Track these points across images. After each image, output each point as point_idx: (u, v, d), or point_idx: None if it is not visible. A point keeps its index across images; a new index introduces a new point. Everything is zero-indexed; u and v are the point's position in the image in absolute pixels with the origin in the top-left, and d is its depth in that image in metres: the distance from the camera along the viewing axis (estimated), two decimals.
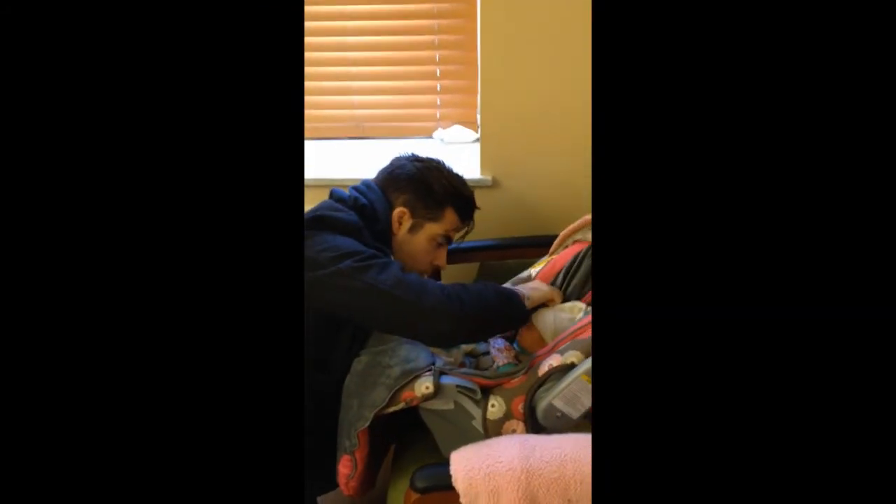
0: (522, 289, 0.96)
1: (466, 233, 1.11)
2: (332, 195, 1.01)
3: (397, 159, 1.08)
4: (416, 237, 1.02)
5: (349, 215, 0.94)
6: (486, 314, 0.85)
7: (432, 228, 1.03)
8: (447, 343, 0.92)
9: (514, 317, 0.91)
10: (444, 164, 1.08)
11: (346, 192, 1.01)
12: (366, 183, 1.05)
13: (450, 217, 1.03)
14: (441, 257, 1.06)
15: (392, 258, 0.96)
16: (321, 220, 0.91)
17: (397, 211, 1.01)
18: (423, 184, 1.02)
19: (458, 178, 1.07)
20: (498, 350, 0.97)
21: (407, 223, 1.01)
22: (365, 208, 0.97)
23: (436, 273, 1.16)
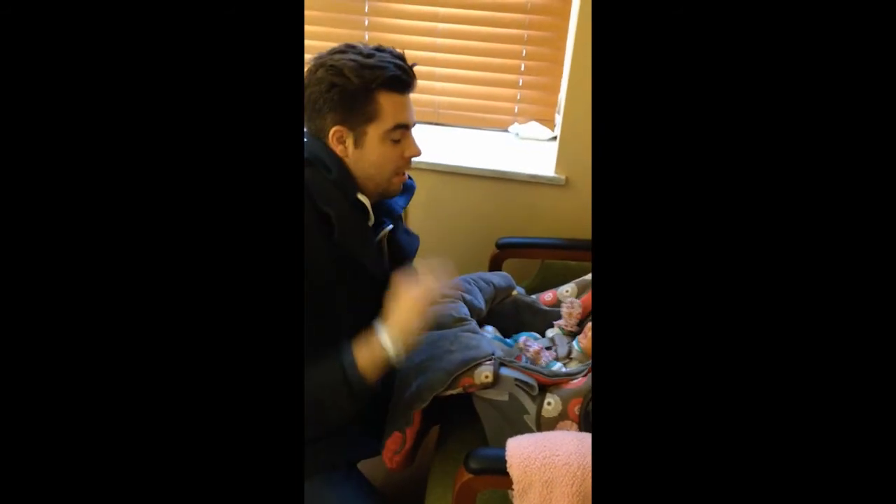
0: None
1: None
2: None
3: (306, 84, 0.86)
4: (366, 148, 0.86)
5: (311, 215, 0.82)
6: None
7: (377, 128, 0.85)
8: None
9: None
10: (346, 47, 0.87)
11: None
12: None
13: (387, 102, 0.85)
14: (409, 147, 0.90)
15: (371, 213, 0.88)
16: None
17: (333, 131, 0.85)
18: (336, 86, 0.83)
19: (367, 51, 0.86)
20: (535, 352, 0.97)
21: (349, 139, 0.86)
22: (313, 163, 0.86)
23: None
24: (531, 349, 0.97)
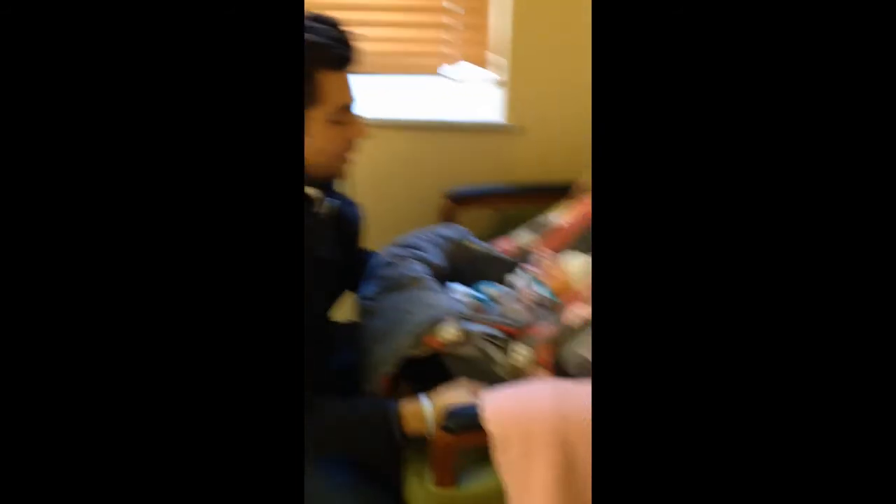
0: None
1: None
2: None
3: None
4: (309, 135, 0.78)
5: None
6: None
7: (318, 112, 0.78)
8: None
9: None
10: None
11: None
12: None
13: (328, 82, 0.77)
14: (356, 130, 0.84)
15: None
16: None
17: None
18: None
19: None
20: (516, 300, 0.96)
21: None
22: None
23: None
24: (518, 295, 0.95)
